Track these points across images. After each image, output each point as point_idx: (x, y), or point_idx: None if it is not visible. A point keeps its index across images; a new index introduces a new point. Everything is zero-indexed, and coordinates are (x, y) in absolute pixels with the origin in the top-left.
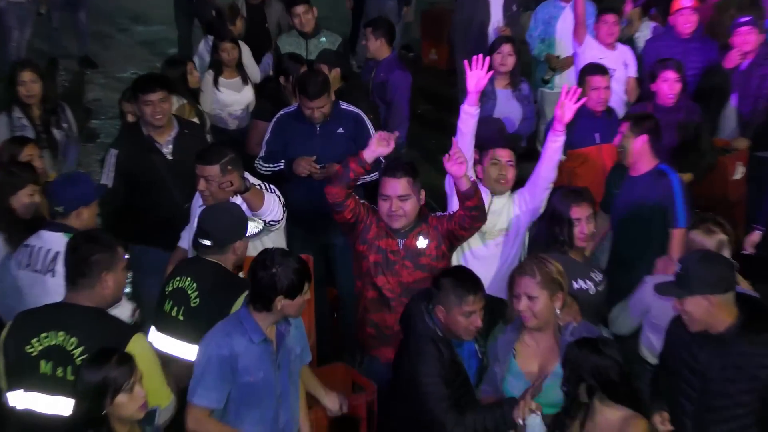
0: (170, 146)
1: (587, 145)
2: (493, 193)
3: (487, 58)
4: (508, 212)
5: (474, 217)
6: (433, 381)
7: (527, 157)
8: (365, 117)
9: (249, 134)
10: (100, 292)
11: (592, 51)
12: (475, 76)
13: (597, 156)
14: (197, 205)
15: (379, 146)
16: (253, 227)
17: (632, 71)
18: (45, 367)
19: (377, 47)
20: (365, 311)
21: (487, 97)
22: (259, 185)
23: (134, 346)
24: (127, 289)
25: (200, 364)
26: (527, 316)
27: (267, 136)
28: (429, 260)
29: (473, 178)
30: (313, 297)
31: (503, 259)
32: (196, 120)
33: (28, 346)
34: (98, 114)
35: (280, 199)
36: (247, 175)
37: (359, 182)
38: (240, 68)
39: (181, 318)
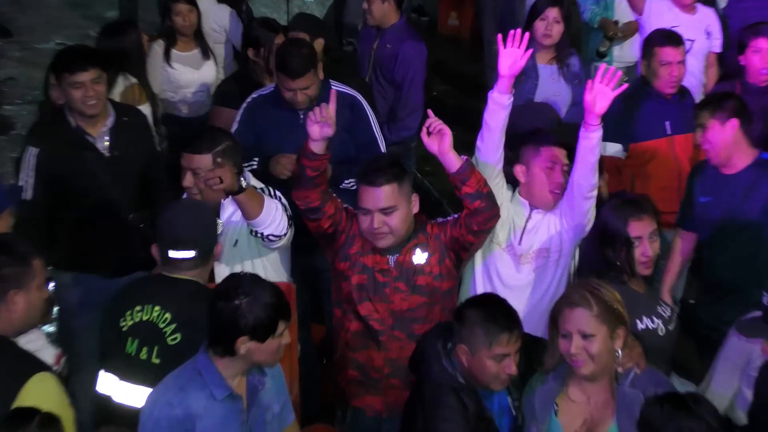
0: (106, 139)
1: (655, 137)
2: (535, 207)
3: (526, 34)
4: (548, 229)
5: (479, 211)
6: None
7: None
8: (363, 100)
9: (209, 124)
10: (5, 317)
11: (663, 15)
12: (510, 55)
13: (668, 151)
14: None
15: (321, 131)
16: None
17: (716, 44)
18: None
19: (384, 11)
20: (347, 348)
21: (526, 75)
22: (261, 189)
23: (34, 389)
24: (50, 329)
25: (145, 429)
26: (581, 360)
27: (234, 126)
28: (429, 279)
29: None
30: (295, 338)
31: (542, 289)
32: (147, 105)
33: None
34: (12, 97)
35: (286, 210)
36: (253, 180)
37: (342, 186)
38: (199, 37)
39: (156, 361)
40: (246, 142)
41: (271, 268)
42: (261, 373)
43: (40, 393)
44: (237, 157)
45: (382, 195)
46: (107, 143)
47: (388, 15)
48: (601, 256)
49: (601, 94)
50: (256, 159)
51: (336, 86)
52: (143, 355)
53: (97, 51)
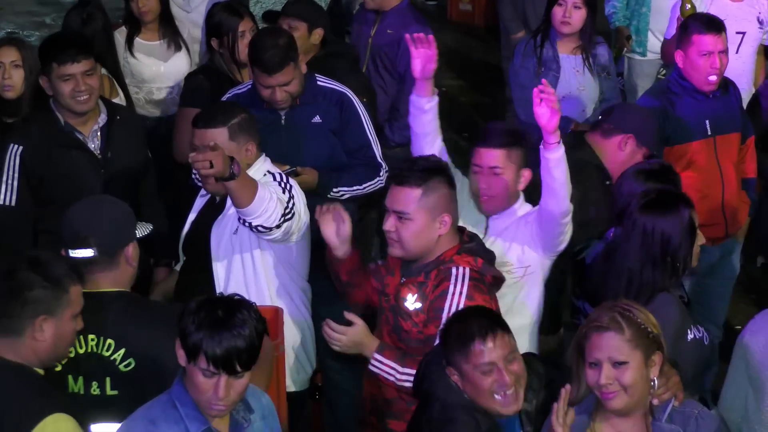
0: (98, 138)
1: (694, 139)
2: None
3: (430, 37)
4: (512, 241)
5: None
6: None
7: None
8: (354, 98)
9: (176, 129)
10: (30, 344)
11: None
12: (422, 57)
13: (708, 154)
14: (197, 206)
15: (339, 232)
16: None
17: None
18: None
19: None
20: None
21: (546, 66)
22: (278, 174)
23: (47, 430)
24: None
25: None
26: (612, 391)
27: None
28: (414, 331)
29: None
30: (282, 368)
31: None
32: (118, 99)
33: None
34: None
35: (288, 202)
36: (268, 163)
37: (331, 195)
38: (166, 25)
39: (112, 392)
40: None
41: (280, 265)
42: (246, 408)
43: None
44: (253, 131)
45: (400, 196)
46: (99, 142)
47: None
48: (646, 258)
49: (543, 109)
50: None
51: (322, 81)
52: (95, 389)
53: (87, 38)
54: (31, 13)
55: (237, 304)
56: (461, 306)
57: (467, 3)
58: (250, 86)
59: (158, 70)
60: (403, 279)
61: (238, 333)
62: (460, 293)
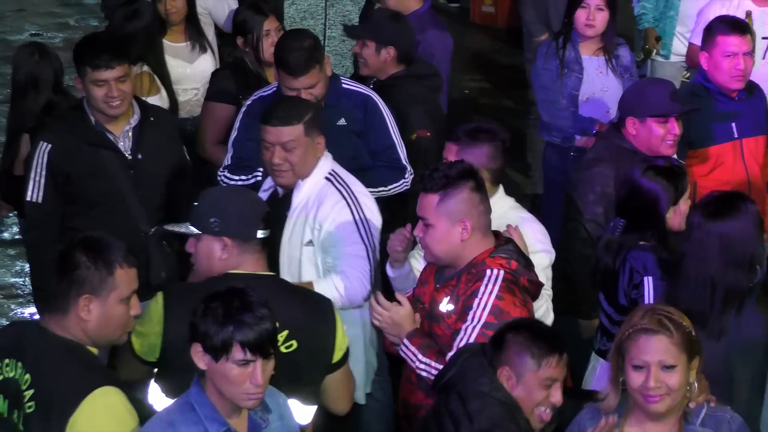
0: (129, 139)
1: (719, 142)
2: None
3: (407, 226)
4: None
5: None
6: None
7: None
8: (378, 100)
9: (201, 123)
10: (76, 323)
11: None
12: (397, 239)
13: (735, 156)
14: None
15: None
16: None
17: None
18: (2, 405)
19: None
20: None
21: (569, 68)
22: (362, 223)
23: (95, 402)
24: None
25: None
26: (658, 395)
27: (234, 133)
28: (447, 334)
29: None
30: None
31: None
32: (159, 97)
33: None
34: None
35: (371, 270)
36: (330, 160)
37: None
38: (193, 26)
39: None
40: (247, 151)
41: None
42: (265, 410)
43: (102, 407)
44: (321, 128)
45: (422, 202)
46: (130, 143)
47: (408, 0)
48: (734, 264)
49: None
50: (261, 170)
51: (347, 83)
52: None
53: (122, 43)
54: (54, 15)
55: (240, 292)
56: (490, 305)
57: (490, 5)
58: (275, 88)
59: (184, 71)
60: (437, 285)
61: (261, 315)
62: (491, 293)
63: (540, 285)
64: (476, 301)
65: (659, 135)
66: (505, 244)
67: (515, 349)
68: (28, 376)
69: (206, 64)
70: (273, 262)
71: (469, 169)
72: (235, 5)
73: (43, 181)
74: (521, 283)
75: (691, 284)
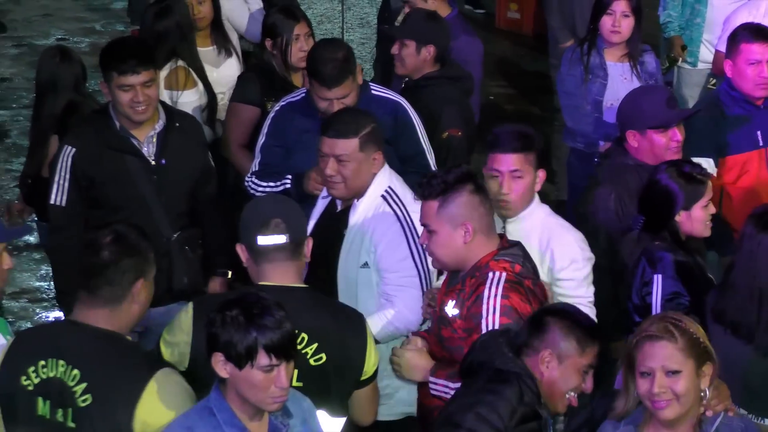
0: (153, 144)
1: (745, 150)
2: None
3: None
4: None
5: None
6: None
7: None
8: (408, 107)
9: (226, 124)
10: (127, 310)
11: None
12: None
13: (761, 164)
14: (318, 209)
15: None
16: None
17: None
18: (43, 407)
19: (432, 1)
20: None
21: (593, 74)
22: (414, 248)
23: (160, 385)
24: None
25: None
26: (664, 401)
27: (261, 139)
28: (454, 337)
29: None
30: None
31: None
32: (195, 90)
33: (24, 378)
34: (7, 101)
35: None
36: (389, 174)
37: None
38: (218, 31)
39: (297, 384)
40: (275, 157)
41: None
42: (286, 414)
43: (167, 388)
44: (380, 140)
45: (423, 210)
46: (154, 149)
47: (437, 5)
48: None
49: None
50: (290, 177)
51: (376, 90)
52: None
53: (148, 47)
54: (80, 20)
55: (256, 297)
56: (497, 308)
57: (515, 11)
58: (304, 94)
59: (210, 75)
60: (446, 288)
61: (280, 318)
62: (495, 295)
63: (543, 289)
64: (484, 308)
65: (662, 145)
66: (510, 246)
67: (560, 334)
68: (76, 371)
69: (232, 68)
70: (331, 281)
71: (466, 173)
72: (255, 10)
73: (67, 184)
74: (526, 284)
75: (739, 295)
